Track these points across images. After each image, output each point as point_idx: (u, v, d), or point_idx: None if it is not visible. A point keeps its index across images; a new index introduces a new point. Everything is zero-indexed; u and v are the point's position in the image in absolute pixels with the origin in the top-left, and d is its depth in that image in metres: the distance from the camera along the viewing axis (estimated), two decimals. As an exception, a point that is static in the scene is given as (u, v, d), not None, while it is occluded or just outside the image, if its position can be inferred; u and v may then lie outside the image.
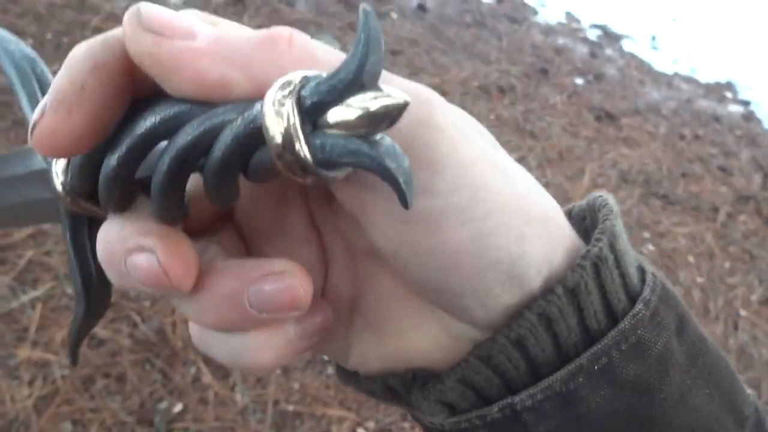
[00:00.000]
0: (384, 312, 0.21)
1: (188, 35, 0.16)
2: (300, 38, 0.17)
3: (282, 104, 0.15)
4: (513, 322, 0.18)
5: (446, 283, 0.18)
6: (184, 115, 0.17)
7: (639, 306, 0.19)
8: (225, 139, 0.16)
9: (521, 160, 1.85)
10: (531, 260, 0.18)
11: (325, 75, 0.15)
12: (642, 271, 0.20)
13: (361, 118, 0.15)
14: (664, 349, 0.19)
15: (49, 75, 0.22)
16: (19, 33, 1.54)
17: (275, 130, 0.15)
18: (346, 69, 0.15)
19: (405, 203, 0.15)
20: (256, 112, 0.16)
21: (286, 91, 0.15)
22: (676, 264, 1.73)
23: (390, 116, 0.15)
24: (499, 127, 1.94)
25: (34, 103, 0.22)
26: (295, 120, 0.15)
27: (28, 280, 1.13)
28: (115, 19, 1.69)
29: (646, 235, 1.79)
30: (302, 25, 1.96)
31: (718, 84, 2.68)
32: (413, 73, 2.01)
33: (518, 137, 1.93)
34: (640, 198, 1.90)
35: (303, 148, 0.15)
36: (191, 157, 0.16)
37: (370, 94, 0.15)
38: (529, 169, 1.81)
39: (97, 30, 1.64)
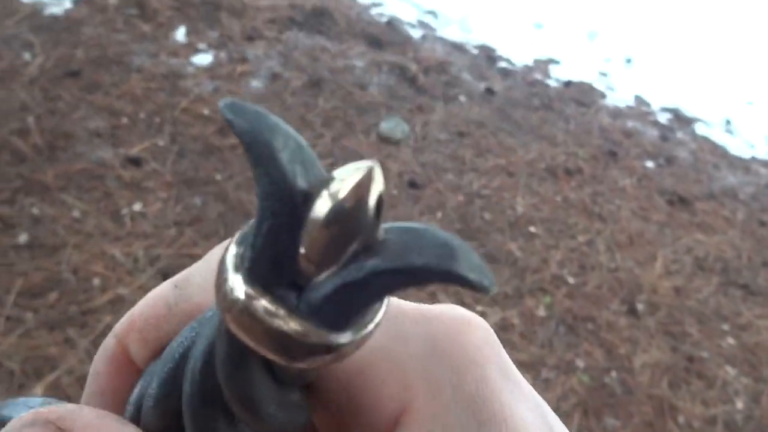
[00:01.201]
0: None
1: None
2: None
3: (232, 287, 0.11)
4: None
5: None
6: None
7: None
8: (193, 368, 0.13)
9: (589, 244, 1.82)
10: None
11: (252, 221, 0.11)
12: None
13: (331, 231, 0.10)
14: None
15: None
16: (117, 113, 1.69)
17: (246, 326, 0.11)
18: (263, 191, 0.10)
19: (486, 290, 0.10)
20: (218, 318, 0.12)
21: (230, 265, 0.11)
22: (759, 360, 1.61)
23: (367, 196, 0.10)
24: (565, 209, 1.92)
25: None
26: (252, 296, 0.11)
27: (103, 343, 1.18)
28: (203, 102, 1.83)
29: (725, 327, 1.68)
30: (374, 107, 2.05)
31: (800, 169, 2.56)
32: (479, 154, 2.04)
33: (586, 220, 1.90)
34: (719, 287, 1.81)
35: (291, 317, 0.11)
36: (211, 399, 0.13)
37: (320, 194, 0.10)
38: (598, 253, 1.77)
39: (186, 111, 1.77)
